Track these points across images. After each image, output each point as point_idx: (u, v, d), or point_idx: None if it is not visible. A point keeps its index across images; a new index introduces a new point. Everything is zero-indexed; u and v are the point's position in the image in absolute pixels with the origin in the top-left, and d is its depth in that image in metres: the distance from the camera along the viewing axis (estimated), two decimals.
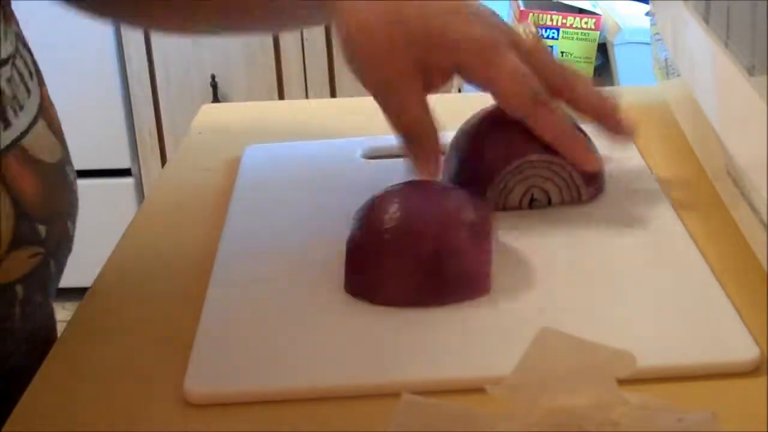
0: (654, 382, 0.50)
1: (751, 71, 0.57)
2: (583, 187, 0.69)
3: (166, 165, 0.83)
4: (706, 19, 0.66)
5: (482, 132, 0.69)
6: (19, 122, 0.58)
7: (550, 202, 0.69)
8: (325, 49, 2.79)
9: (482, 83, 0.65)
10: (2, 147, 0.56)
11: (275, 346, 0.54)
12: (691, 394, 0.50)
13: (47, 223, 0.60)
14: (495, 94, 0.65)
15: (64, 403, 0.52)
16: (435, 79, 0.65)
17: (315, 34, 2.78)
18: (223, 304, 0.59)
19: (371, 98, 0.66)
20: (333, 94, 2.80)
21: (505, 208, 0.68)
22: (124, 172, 2.43)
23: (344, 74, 2.83)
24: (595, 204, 0.69)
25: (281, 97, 2.61)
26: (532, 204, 0.69)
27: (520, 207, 0.69)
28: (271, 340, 0.55)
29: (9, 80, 0.58)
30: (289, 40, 2.77)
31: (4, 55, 0.58)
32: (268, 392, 0.51)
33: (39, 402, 0.52)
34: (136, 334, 0.58)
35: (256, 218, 0.69)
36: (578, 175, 0.68)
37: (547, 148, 0.67)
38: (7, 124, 0.57)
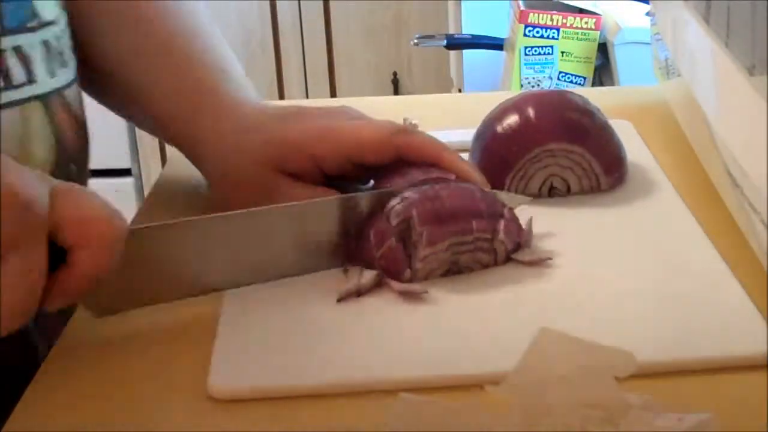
0: (675, 375, 0.50)
1: (751, 71, 0.57)
2: (602, 176, 0.69)
3: (166, 165, 0.82)
4: (707, 19, 0.66)
5: (503, 121, 0.69)
6: (63, 76, 0.65)
7: (569, 191, 0.69)
8: (325, 48, 2.79)
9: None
10: (50, 90, 0.63)
11: (297, 342, 0.54)
12: (710, 386, 0.50)
13: (77, 164, 0.67)
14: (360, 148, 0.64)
15: (65, 404, 0.52)
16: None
17: (315, 34, 2.79)
18: (241, 300, 0.58)
19: (371, 98, 0.67)
20: (333, 94, 2.80)
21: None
22: (124, 172, 2.43)
23: (344, 74, 2.83)
24: (614, 194, 0.69)
25: (281, 97, 2.61)
26: (552, 192, 0.69)
27: (539, 195, 0.69)
28: (291, 336, 0.55)
29: (57, 38, 0.64)
30: (289, 39, 2.77)
31: (50, 18, 0.64)
32: (291, 388, 0.51)
33: (40, 402, 0.52)
34: (138, 333, 0.58)
35: None
36: (598, 164, 0.68)
37: (568, 138, 0.67)
38: (52, 74, 0.63)
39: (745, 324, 0.54)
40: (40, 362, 0.55)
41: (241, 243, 0.58)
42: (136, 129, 2.37)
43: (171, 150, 0.74)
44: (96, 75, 0.72)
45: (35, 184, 0.47)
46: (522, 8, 1.70)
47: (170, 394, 0.52)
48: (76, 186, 0.50)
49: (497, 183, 0.67)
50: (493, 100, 0.72)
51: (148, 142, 2.46)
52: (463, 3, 2.16)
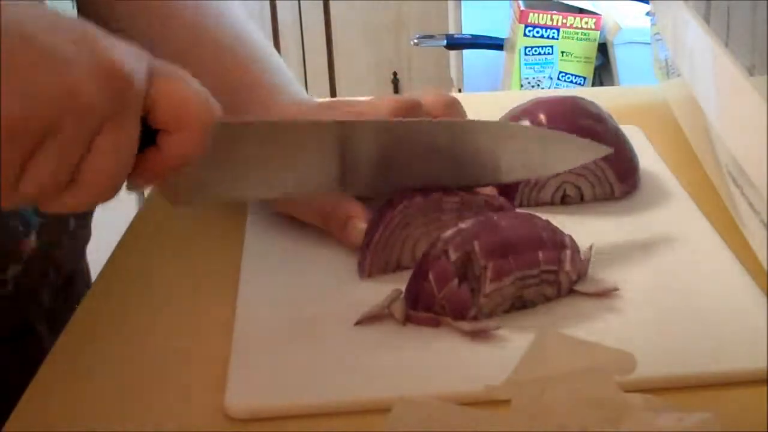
0: (694, 389, 0.50)
1: (751, 71, 0.57)
2: (616, 183, 0.68)
3: None
4: (707, 19, 0.66)
5: None
6: None
7: (582, 199, 0.68)
8: (325, 48, 2.79)
9: None
10: None
11: (314, 358, 0.53)
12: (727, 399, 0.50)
13: None
14: None
15: (64, 405, 0.52)
16: None
17: (315, 34, 2.79)
18: (254, 316, 0.57)
19: (371, 98, 0.66)
20: (333, 94, 2.80)
21: (537, 204, 0.68)
22: None
23: (344, 74, 2.83)
24: (628, 201, 0.69)
25: None
26: (565, 200, 0.68)
27: (552, 203, 0.68)
28: (309, 352, 0.54)
29: None
30: (289, 40, 2.77)
31: None
32: (308, 406, 0.50)
33: (39, 403, 0.52)
34: (136, 335, 0.58)
35: (274, 222, 0.68)
36: (611, 171, 0.68)
37: None
38: None
39: None
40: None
41: (326, 151, 0.58)
42: None
43: None
44: None
45: (136, 61, 0.47)
46: (522, 8, 1.71)
47: (187, 410, 0.51)
48: (173, 68, 0.50)
49: (509, 190, 0.67)
50: (493, 100, 0.72)
51: None
52: (463, 3, 2.16)
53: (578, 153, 0.64)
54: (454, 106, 0.66)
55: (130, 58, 0.46)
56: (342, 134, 0.58)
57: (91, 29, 0.46)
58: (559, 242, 0.57)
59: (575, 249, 0.57)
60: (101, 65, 0.45)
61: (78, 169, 0.46)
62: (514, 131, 0.63)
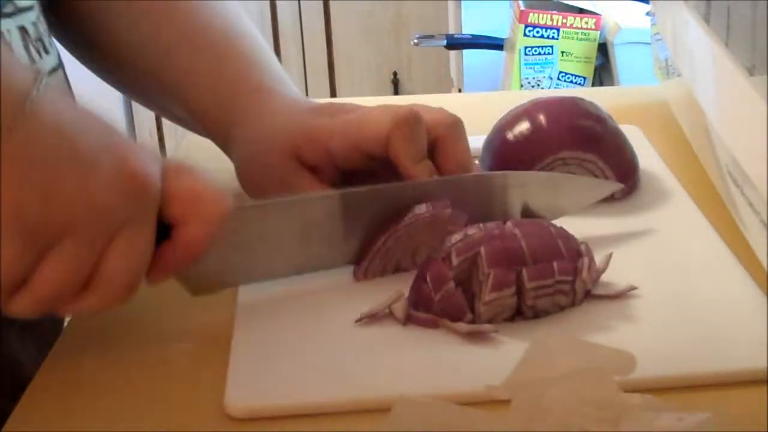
0: (696, 389, 0.50)
1: (751, 71, 0.57)
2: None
3: None
4: (707, 19, 0.66)
5: (514, 129, 0.68)
6: (46, 63, 0.64)
7: None
8: (325, 49, 2.79)
9: None
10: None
11: (314, 357, 0.53)
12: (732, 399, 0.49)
13: None
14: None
15: (64, 406, 0.52)
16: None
17: (315, 34, 2.79)
18: (254, 316, 0.57)
19: (371, 98, 0.66)
20: (333, 94, 2.80)
21: None
22: None
23: (344, 74, 2.83)
24: (628, 201, 0.68)
25: None
26: None
27: None
28: (308, 351, 0.54)
29: (34, 24, 0.63)
30: (289, 39, 2.77)
31: (26, 4, 0.63)
32: (308, 406, 0.50)
33: (39, 404, 0.52)
34: (136, 335, 0.58)
35: None
36: (611, 172, 0.67)
37: (580, 145, 0.66)
38: (33, 61, 0.62)
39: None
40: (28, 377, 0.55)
41: (336, 223, 0.59)
42: (136, 129, 2.37)
43: (170, 148, 0.75)
44: (120, 66, 0.72)
45: (151, 165, 0.48)
46: (522, 8, 1.71)
47: (187, 410, 0.51)
48: (185, 163, 0.51)
49: None
50: (493, 100, 0.72)
51: (148, 142, 2.46)
52: (463, 3, 2.16)
53: (587, 194, 0.65)
54: (456, 127, 0.64)
55: (148, 162, 0.48)
56: (350, 205, 0.58)
57: (117, 133, 0.48)
58: (575, 251, 0.56)
59: (591, 257, 0.57)
60: (122, 172, 0.46)
61: (95, 271, 0.47)
62: (523, 180, 0.63)
